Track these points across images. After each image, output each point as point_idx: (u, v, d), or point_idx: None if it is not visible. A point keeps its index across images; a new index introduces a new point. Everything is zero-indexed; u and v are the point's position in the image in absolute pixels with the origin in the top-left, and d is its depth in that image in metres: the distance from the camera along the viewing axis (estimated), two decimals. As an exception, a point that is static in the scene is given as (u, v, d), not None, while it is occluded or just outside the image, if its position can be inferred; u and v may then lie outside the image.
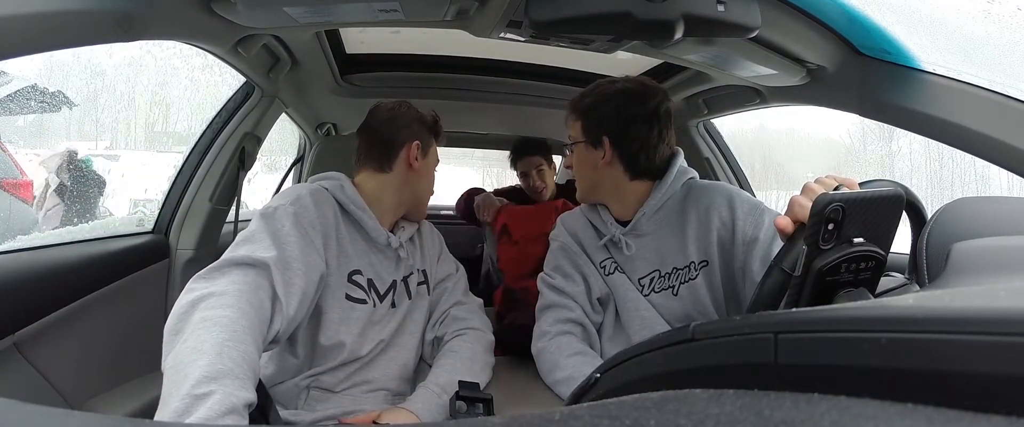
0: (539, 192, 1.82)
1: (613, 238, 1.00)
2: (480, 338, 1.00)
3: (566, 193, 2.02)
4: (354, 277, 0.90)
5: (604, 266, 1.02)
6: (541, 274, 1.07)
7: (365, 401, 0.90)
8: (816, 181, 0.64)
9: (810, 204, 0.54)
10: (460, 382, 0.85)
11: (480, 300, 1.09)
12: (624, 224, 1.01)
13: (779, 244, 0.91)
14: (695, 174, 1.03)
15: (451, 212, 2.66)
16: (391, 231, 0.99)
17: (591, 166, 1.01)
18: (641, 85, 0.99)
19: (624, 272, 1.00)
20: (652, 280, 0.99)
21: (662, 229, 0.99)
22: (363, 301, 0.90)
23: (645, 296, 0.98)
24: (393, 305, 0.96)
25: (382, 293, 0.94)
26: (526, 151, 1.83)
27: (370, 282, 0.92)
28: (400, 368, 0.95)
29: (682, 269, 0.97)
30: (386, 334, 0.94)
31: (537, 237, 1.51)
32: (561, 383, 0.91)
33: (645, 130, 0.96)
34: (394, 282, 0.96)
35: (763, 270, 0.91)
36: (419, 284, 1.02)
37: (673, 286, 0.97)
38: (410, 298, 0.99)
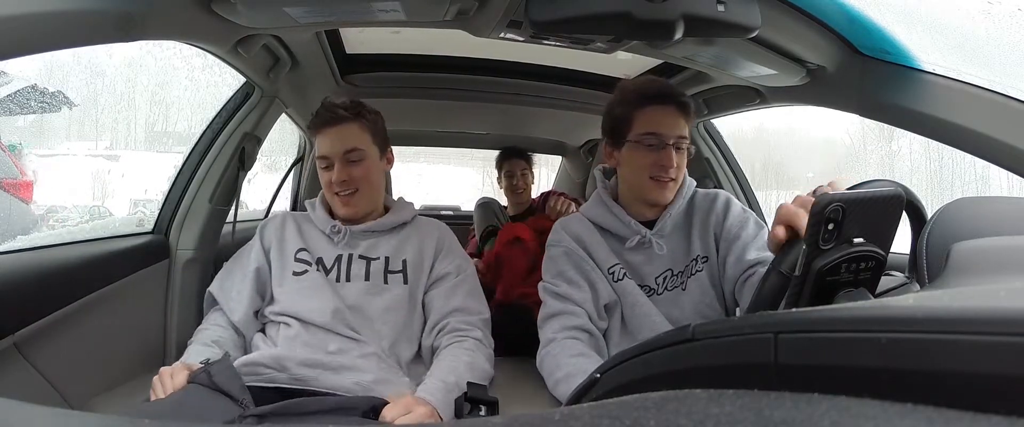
0: (520, 192, 2.09)
1: (643, 239, 1.01)
2: (479, 348, 0.99)
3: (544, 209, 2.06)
4: (299, 254, 1.05)
5: (613, 272, 1.01)
6: (542, 282, 1.05)
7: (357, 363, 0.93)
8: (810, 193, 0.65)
9: (799, 211, 0.54)
10: (468, 383, 0.87)
11: (486, 315, 1.06)
12: (644, 225, 1.03)
13: (755, 249, 0.97)
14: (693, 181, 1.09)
15: (450, 212, 2.66)
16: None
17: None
18: None
19: (633, 278, 1.01)
20: (665, 279, 1.02)
21: (675, 230, 1.04)
22: (304, 271, 1.03)
23: (658, 295, 1.01)
24: (348, 279, 1.03)
25: (328, 266, 1.04)
26: (510, 155, 2.12)
27: (319, 260, 1.05)
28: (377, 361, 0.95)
29: (689, 264, 1.02)
30: (341, 300, 0.99)
31: (514, 241, 1.51)
32: (562, 382, 0.90)
33: None
34: (338, 257, 1.05)
35: (736, 266, 0.97)
36: (392, 272, 1.04)
37: (683, 282, 1.02)
38: (368, 279, 1.02)
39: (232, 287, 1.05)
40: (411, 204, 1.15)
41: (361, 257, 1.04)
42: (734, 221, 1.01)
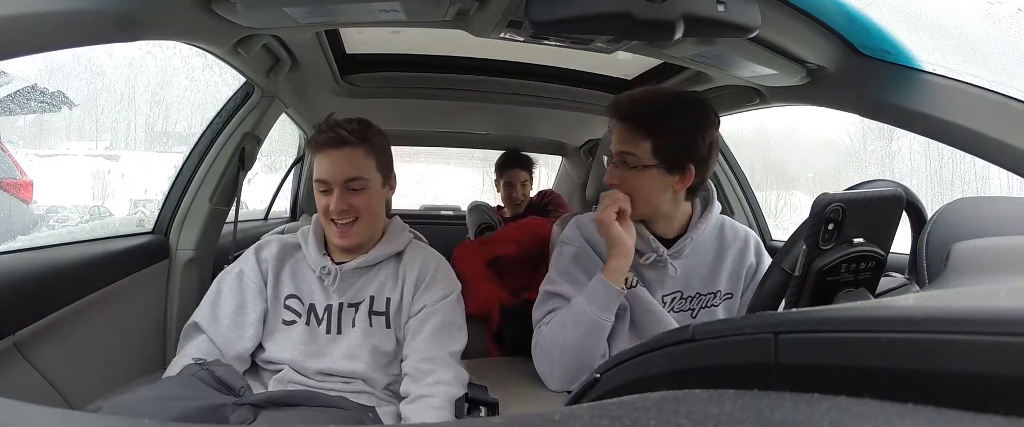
0: (519, 203, 2.09)
1: (660, 258, 0.98)
2: (444, 386, 0.90)
3: (539, 207, 2.05)
4: (288, 302, 0.99)
5: (625, 279, 1.00)
6: (545, 282, 1.02)
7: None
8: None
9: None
10: (469, 384, 0.87)
11: (457, 347, 0.96)
12: (662, 241, 1.00)
13: None
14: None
15: (450, 212, 2.66)
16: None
17: (660, 189, 0.95)
18: (706, 104, 0.97)
19: (647, 286, 1.00)
20: (673, 300, 1.01)
21: (694, 255, 1.01)
22: (293, 322, 0.98)
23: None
24: (339, 332, 0.97)
25: (319, 316, 0.98)
26: (511, 164, 2.08)
27: (311, 307, 0.98)
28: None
29: (706, 295, 1.01)
30: (330, 362, 0.94)
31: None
32: (555, 341, 0.93)
33: (715, 154, 0.98)
34: (329, 307, 0.98)
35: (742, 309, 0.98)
36: (376, 313, 0.97)
37: (693, 309, 1.01)
38: (354, 326, 0.96)
39: (226, 317, 0.96)
40: (405, 228, 1.08)
41: (350, 305, 0.98)
42: (759, 267, 1.03)
